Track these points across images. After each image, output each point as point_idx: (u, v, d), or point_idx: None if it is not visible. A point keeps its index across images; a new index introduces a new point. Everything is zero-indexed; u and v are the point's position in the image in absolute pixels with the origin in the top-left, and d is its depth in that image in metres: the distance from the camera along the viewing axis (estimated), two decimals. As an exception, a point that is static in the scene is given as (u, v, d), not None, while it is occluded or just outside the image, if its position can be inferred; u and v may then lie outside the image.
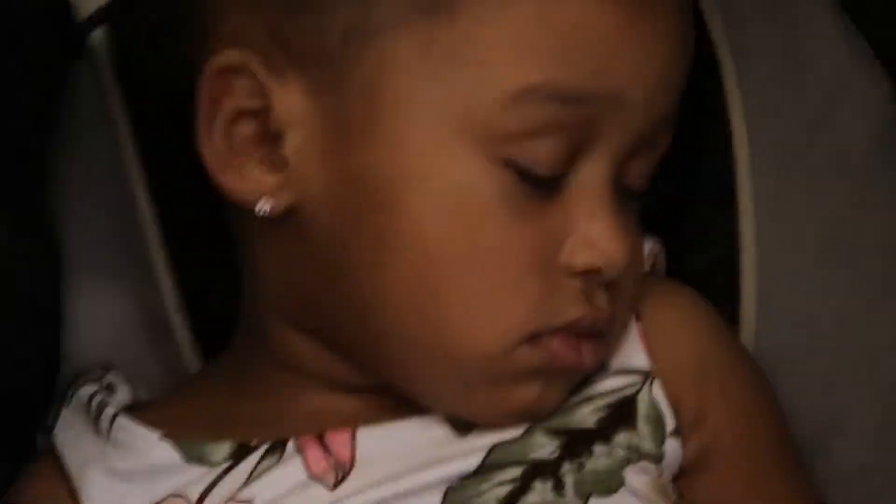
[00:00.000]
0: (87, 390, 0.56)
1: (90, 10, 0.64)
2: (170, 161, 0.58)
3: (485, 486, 0.49)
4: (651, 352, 0.53)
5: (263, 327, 0.55)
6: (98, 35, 0.61)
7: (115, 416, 0.54)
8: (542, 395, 0.50)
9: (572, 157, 0.47)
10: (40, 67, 0.60)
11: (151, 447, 0.53)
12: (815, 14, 0.61)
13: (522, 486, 0.48)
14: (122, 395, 0.57)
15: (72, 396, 0.58)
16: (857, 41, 0.61)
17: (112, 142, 0.61)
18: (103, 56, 0.61)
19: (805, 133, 0.60)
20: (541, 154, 0.46)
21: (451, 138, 0.47)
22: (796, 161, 0.60)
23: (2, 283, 0.55)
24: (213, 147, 0.49)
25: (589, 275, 0.48)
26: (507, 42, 0.47)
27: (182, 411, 0.56)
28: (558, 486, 0.49)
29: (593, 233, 0.48)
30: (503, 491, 0.48)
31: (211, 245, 0.60)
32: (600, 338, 0.50)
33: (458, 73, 0.47)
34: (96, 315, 0.61)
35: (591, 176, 0.48)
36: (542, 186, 0.47)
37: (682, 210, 0.62)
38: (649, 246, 0.56)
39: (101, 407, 0.55)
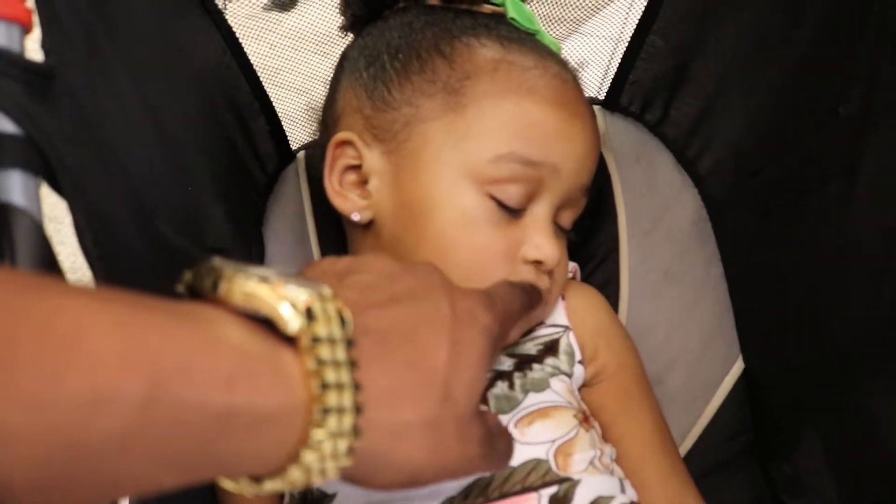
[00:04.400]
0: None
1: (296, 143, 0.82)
2: (321, 200, 0.66)
3: None
4: (569, 316, 0.63)
5: None
6: (301, 154, 0.81)
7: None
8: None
9: (529, 198, 0.57)
10: (270, 171, 0.80)
11: None
12: (662, 159, 0.78)
13: (490, 383, 0.58)
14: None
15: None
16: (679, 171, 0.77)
17: (298, 196, 0.78)
18: (301, 161, 0.80)
19: (654, 219, 0.76)
20: (510, 193, 0.57)
21: (459, 180, 0.57)
22: (649, 232, 0.76)
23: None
24: (332, 185, 0.61)
25: (536, 265, 0.57)
26: (494, 127, 0.57)
27: None
28: (511, 385, 0.58)
29: (539, 241, 0.57)
30: None
31: (337, 237, 0.71)
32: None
33: (465, 143, 0.57)
34: (281, 256, 0.75)
35: (540, 211, 0.58)
36: (510, 213, 0.57)
37: (589, 250, 0.76)
38: (573, 265, 0.70)
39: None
